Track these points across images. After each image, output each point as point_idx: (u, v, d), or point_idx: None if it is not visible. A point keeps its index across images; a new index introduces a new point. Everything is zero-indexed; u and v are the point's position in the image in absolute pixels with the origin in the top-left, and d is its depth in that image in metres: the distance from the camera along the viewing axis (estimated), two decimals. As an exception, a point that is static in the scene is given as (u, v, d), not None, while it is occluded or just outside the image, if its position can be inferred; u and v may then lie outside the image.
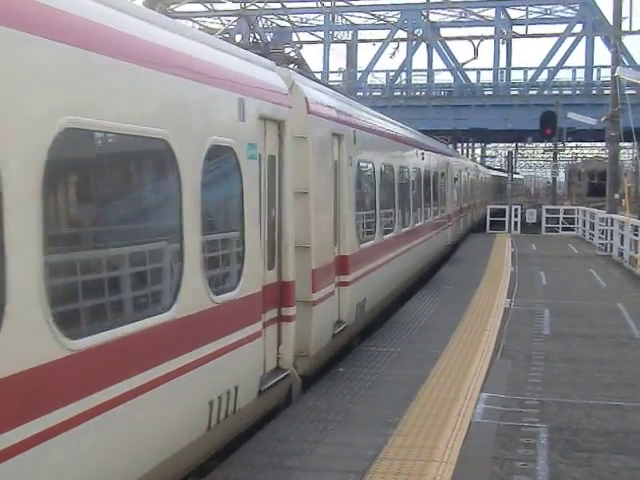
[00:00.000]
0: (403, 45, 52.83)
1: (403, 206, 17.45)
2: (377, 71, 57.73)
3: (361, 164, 13.29)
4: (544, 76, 54.66)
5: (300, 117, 9.93)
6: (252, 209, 8.14)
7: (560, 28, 55.70)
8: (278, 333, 9.17)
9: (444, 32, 58.79)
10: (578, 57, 54.90)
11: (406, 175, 18.28)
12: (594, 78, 52.65)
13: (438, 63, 57.22)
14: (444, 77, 58.71)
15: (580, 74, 53.44)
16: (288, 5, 48.13)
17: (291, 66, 11.45)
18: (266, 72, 9.19)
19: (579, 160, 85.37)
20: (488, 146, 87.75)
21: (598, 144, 70.19)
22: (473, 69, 55.51)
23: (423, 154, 21.13)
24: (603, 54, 68.07)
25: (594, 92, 50.32)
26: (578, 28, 54.55)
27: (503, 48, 56.76)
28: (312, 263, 10.19)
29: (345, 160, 12.00)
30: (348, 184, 12.16)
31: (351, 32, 57.13)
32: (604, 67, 49.16)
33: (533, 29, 59.56)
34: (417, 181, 19.96)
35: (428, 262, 22.16)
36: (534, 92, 53.69)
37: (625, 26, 33.66)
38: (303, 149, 10.05)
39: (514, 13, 56.82)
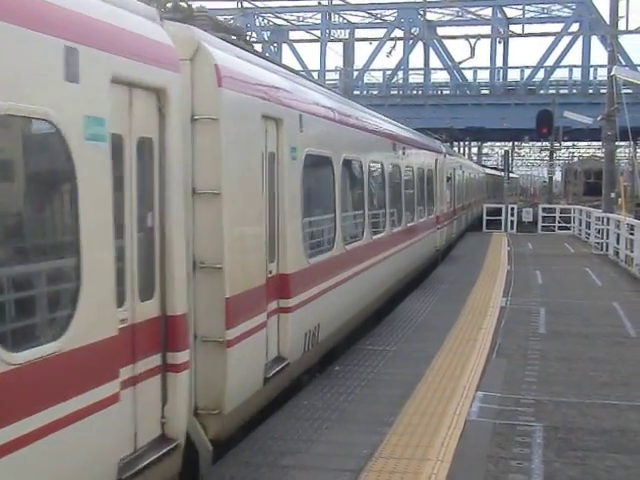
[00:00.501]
0: (400, 44, 52.93)
1: (375, 209, 15.09)
2: (374, 70, 57.92)
3: (312, 158, 10.57)
4: (541, 75, 54.78)
5: (207, 91, 7.48)
6: (97, 218, 5.55)
7: (557, 27, 55.83)
8: (162, 389, 6.65)
9: (441, 31, 58.88)
10: (575, 56, 54.81)
11: (379, 172, 15.72)
12: (591, 77, 52.72)
13: (435, 62, 57.41)
14: (441, 76, 58.77)
15: (577, 73, 53.57)
16: (285, 4, 48.21)
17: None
18: (137, 20, 6.37)
19: (575, 159, 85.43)
20: (484, 145, 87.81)
21: (594, 143, 70.38)
22: (470, 68, 55.67)
23: (404, 149, 18.50)
24: (600, 53, 68.28)
25: (590, 91, 50.33)
26: (575, 27, 54.60)
27: (500, 47, 56.85)
28: (226, 289, 7.57)
29: (286, 152, 9.45)
30: (291, 183, 9.61)
31: (348, 31, 57.17)
32: (601, 66, 49.29)
33: (530, 28, 60.02)
34: (395, 180, 17.38)
35: (411, 270, 19.77)
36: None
37: (622, 25, 33.83)
38: (212, 134, 7.50)
39: (511, 12, 57.06)
